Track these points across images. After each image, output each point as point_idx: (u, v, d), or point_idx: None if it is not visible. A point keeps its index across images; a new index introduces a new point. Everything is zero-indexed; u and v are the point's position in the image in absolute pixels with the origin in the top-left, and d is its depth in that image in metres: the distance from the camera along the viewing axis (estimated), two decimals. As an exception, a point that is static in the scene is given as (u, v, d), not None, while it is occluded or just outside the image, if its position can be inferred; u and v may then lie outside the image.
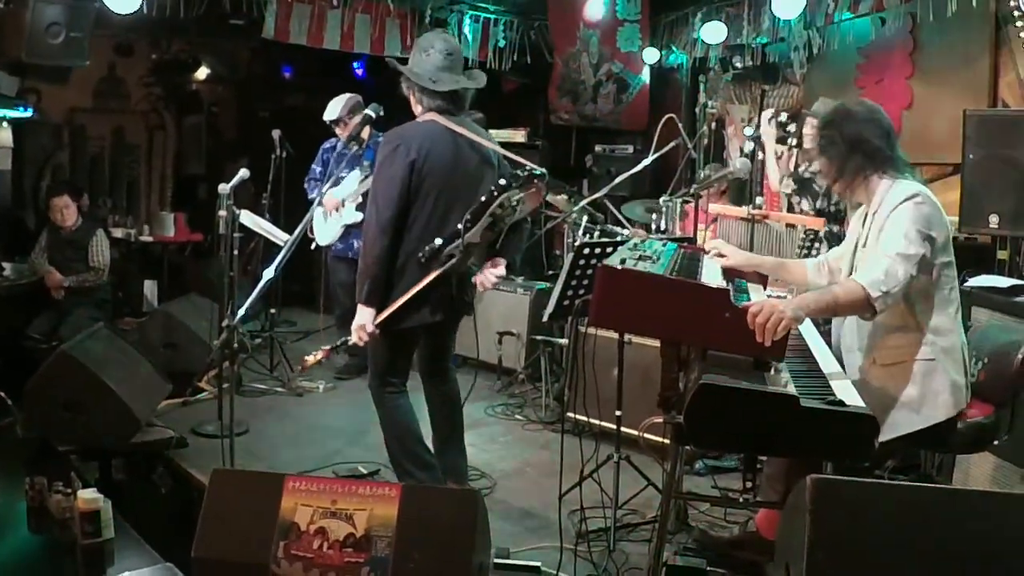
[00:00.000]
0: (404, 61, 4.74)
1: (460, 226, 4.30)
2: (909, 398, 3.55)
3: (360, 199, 7.20)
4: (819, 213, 5.98)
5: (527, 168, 4.41)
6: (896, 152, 3.71)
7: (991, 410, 3.76)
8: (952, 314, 3.62)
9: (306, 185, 7.52)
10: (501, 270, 4.64)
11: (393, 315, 4.42)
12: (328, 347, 4.65)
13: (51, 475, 4.06)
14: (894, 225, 3.48)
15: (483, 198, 4.31)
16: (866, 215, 3.75)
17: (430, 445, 4.88)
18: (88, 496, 3.74)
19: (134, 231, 9.97)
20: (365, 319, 4.41)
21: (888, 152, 3.68)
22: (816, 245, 5.54)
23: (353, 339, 4.47)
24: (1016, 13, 6.03)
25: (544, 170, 4.44)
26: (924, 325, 3.57)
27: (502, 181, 4.33)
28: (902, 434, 3.54)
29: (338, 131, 7.31)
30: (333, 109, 7.30)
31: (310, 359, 4.65)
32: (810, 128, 6.40)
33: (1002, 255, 5.81)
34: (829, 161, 3.74)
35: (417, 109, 4.61)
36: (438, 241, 4.36)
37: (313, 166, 7.56)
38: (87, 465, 5.23)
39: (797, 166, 6.35)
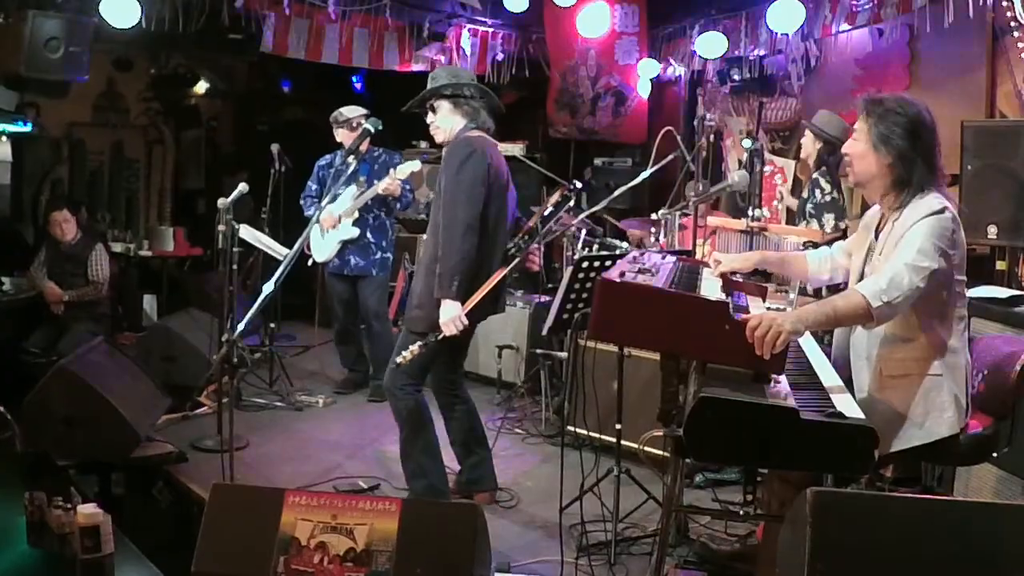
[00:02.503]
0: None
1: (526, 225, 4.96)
2: (913, 413, 3.51)
3: (357, 214, 7.20)
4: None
5: (574, 183, 5.15)
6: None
7: (991, 422, 3.76)
8: (960, 332, 3.59)
9: (302, 202, 7.47)
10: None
11: (472, 308, 4.75)
12: (421, 343, 4.68)
13: (50, 490, 4.04)
14: (912, 237, 3.39)
15: (556, 198, 4.88)
16: (883, 222, 3.69)
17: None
18: (87, 511, 3.72)
19: (133, 246, 9.97)
20: (457, 311, 4.70)
21: (938, 171, 3.59)
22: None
23: (446, 332, 4.71)
24: (1013, 24, 6.05)
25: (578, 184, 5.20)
26: (933, 341, 3.53)
27: (557, 198, 4.90)
28: (903, 448, 3.53)
29: (344, 134, 7.26)
30: (355, 110, 7.29)
31: (407, 355, 4.68)
32: (809, 138, 6.40)
33: (1001, 265, 5.82)
34: (879, 153, 3.55)
35: (458, 125, 4.95)
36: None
37: (309, 183, 7.50)
38: (86, 480, 5.21)
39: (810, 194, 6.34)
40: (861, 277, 3.71)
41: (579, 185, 5.05)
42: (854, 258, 3.87)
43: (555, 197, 4.90)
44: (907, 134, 3.51)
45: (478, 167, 4.76)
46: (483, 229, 4.81)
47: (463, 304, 4.69)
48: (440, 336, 4.69)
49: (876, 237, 3.70)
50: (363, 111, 7.19)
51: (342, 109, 7.32)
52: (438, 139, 5.03)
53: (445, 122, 4.95)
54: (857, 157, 3.63)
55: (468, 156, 4.77)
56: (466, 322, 4.72)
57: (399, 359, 4.72)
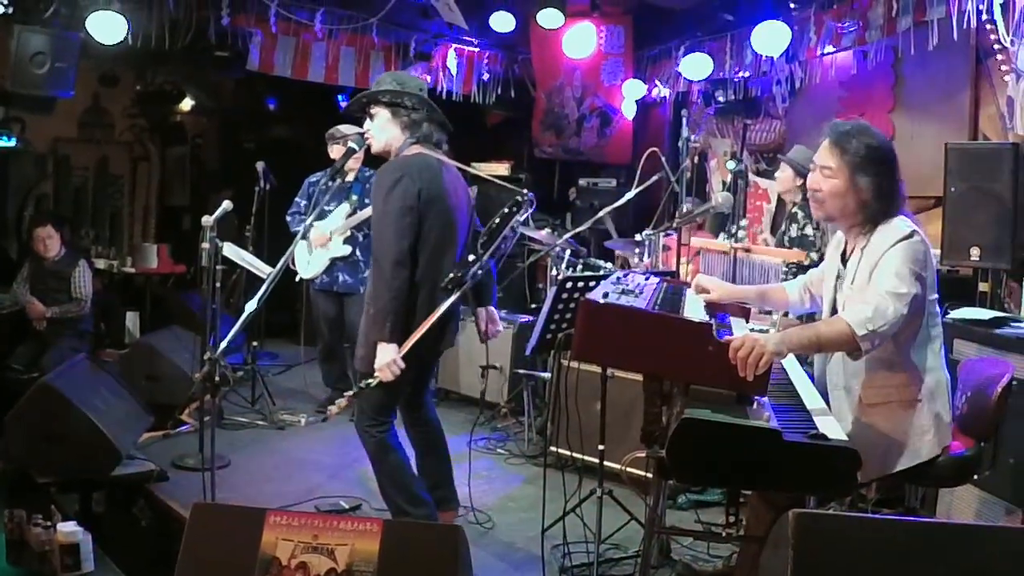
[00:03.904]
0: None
1: (473, 254, 4.37)
2: (895, 438, 3.50)
3: (349, 232, 7.18)
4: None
5: (525, 192, 4.41)
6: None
7: (973, 443, 3.76)
8: (936, 351, 3.59)
9: (289, 219, 7.43)
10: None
11: (414, 346, 4.36)
12: (351, 392, 4.40)
13: (31, 507, 4.03)
14: (887, 264, 3.40)
15: (496, 221, 4.33)
16: (850, 249, 3.69)
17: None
18: (68, 529, 3.71)
19: (117, 262, 9.96)
20: (392, 355, 4.30)
21: (901, 195, 3.59)
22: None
23: (382, 377, 4.32)
24: (996, 47, 6.09)
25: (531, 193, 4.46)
26: (911, 364, 3.53)
27: (507, 208, 4.34)
28: (888, 474, 3.53)
29: (339, 151, 7.22)
30: (352, 128, 7.19)
31: (335, 409, 4.39)
32: (789, 173, 6.44)
33: (983, 287, 5.85)
34: (853, 190, 3.52)
35: (395, 138, 4.60)
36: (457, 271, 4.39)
37: (297, 199, 7.49)
38: (67, 497, 5.19)
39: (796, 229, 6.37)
40: (833, 302, 3.72)
41: (530, 194, 4.60)
42: (825, 283, 3.86)
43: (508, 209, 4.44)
44: (879, 169, 3.51)
45: (405, 195, 4.37)
46: (418, 258, 4.45)
47: (400, 345, 4.34)
48: (376, 382, 4.33)
49: (844, 264, 3.70)
50: (360, 129, 7.16)
51: (339, 126, 7.31)
52: (373, 148, 4.68)
53: (380, 132, 4.60)
54: (830, 195, 3.57)
55: (395, 183, 4.38)
56: (403, 366, 4.32)
57: (326, 413, 4.40)
